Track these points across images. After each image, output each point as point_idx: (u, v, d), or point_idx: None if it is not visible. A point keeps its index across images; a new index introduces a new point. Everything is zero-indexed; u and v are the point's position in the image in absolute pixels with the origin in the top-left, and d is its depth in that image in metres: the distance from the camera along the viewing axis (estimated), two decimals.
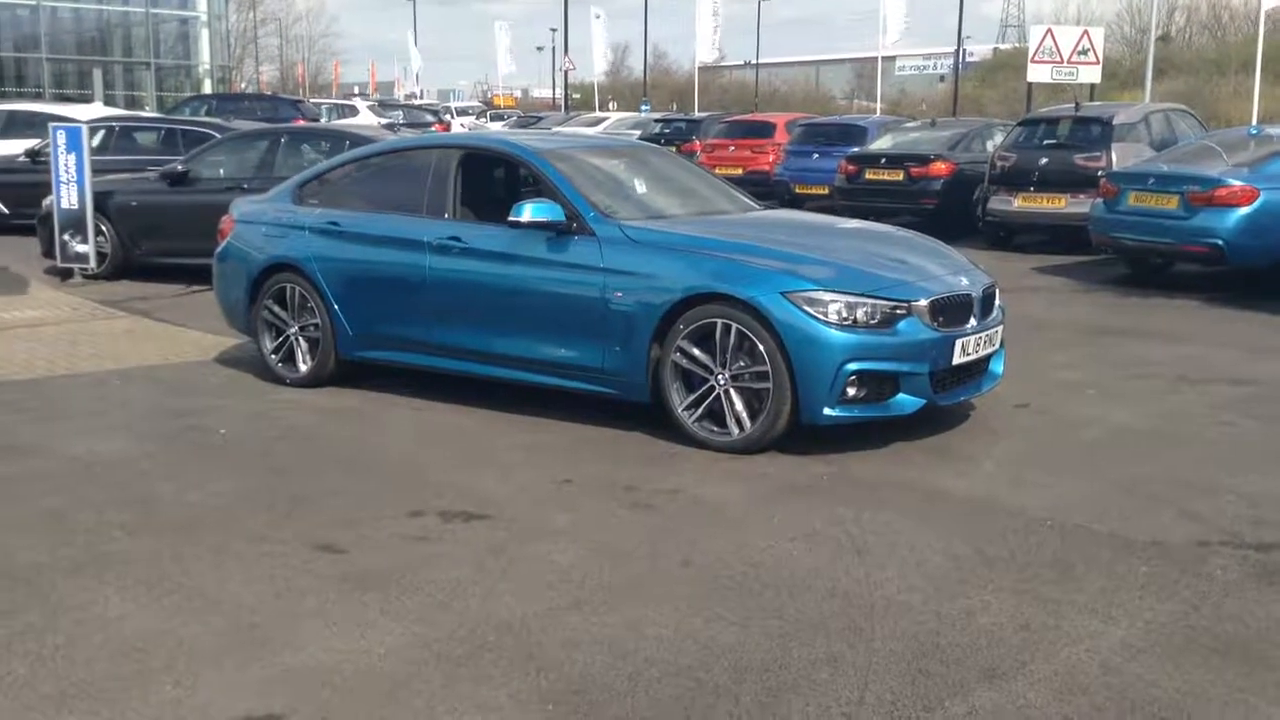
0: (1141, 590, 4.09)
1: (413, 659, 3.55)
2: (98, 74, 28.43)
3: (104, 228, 11.68)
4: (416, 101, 43.62)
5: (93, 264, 11.49)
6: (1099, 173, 12.66)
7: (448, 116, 32.96)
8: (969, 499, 5.08)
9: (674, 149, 21.97)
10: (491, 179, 6.93)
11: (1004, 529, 4.70)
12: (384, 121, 21.73)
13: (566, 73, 42.05)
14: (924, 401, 5.76)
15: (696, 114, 27.41)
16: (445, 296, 6.59)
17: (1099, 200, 11.63)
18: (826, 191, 16.94)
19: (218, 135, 12.75)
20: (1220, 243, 10.34)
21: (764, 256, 5.83)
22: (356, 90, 59.31)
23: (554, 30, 49.85)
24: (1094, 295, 11.16)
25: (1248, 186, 10.35)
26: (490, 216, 6.60)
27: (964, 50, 43.67)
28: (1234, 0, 53.03)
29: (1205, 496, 5.09)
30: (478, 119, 37.76)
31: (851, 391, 5.60)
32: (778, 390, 5.59)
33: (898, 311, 5.68)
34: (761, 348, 5.60)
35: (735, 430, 5.74)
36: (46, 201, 11.77)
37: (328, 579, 4.17)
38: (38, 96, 31.33)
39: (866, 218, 15.92)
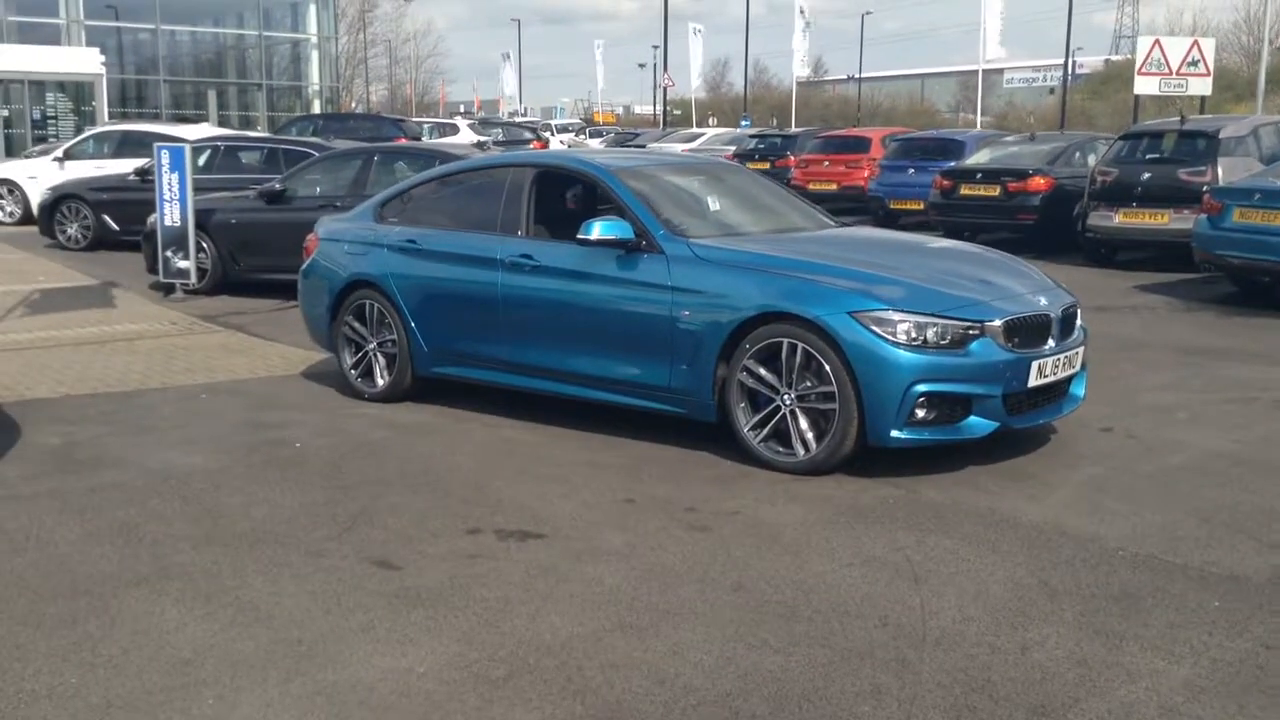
0: (1211, 626, 3.91)
1: (451, 679, 3.55)
2: (212, 95, 29.42)
3: (205, 244, 12.01)
4: (519, 120, 44.24)
5: (193, 280, 11.81)
6: (1203, 188, 12.23)
7: (546, 134, 33.33)
8: (1039, 526, 4.92)
9: (769, 164, 21.98)
10: (565, 197, 6.95)
11: (1072, 558, 4.54)
12: (476, 140, 22.02)
13: (665, 89, 42.22)
14: (997, 425, 5.60)
15: (792, 129, 27.20)
16: (517, 314, 6.62)
17: (1203, 216, 11.24)
18: (922, 207, 16.71)
19: (316, 154, 13.05)
20: None
21: (832, 275, 5.74)
22: (462, 109, 60.38)
23: (655, 47, 50.06)
24: (1195, 315, 10.78)
25: None
26: (564, 234, 6.62)
27: (1074, 61, 42.79)
28: None
29: None
30: (577, 136, 38.08)
31: (921, 414, 5.47)
32: (844, 411, 5.49)
33: (970, 332, 5.54)
34: (828, 368, 5.51)
35: (801, 451, 5.65)
36: (151, 219, 12.14)
37: (378, 595, 4.20)
38: (155, 117, 32.51)
39: (962, 234, 15.91)
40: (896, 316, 5.47)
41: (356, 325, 7.40)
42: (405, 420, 6.91)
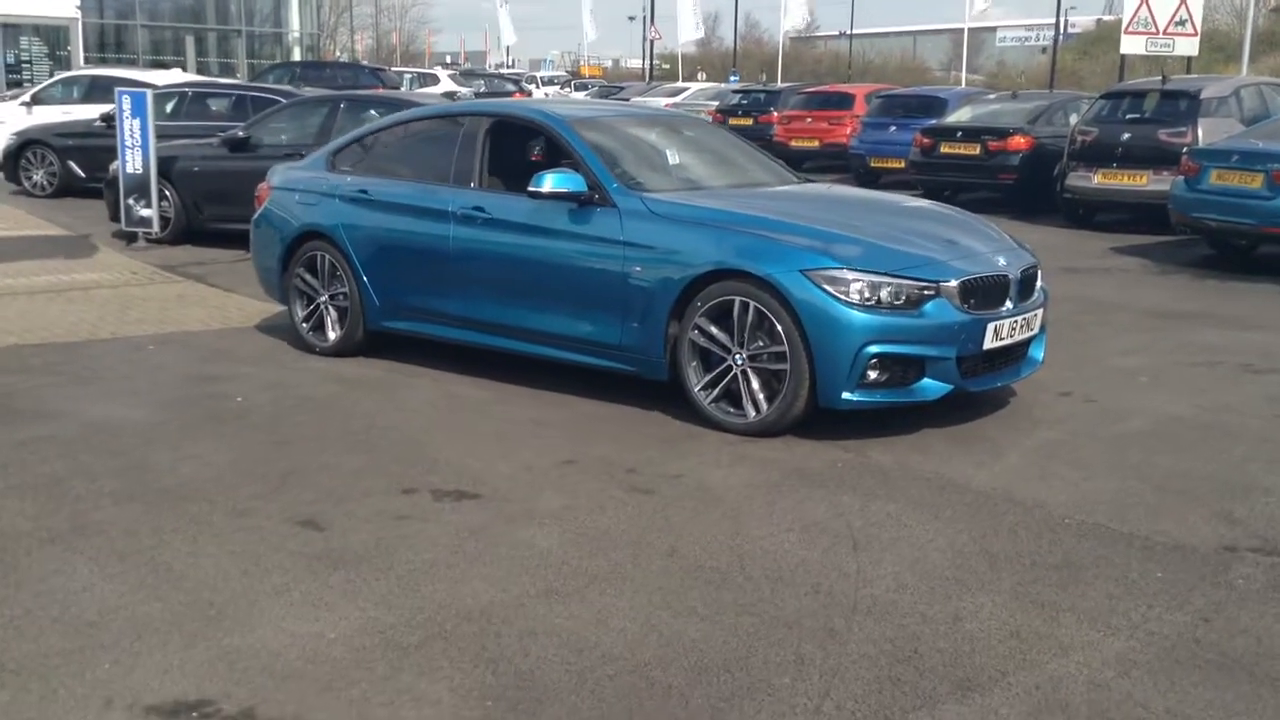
0: (1152, 598, 3.80)
1: (361, 645, 3.43)
2: (190, 41, 28.93)
3: (168, 193, 11.78)
4: (504, 71, 43.67)
5: (156, 228, 11.59)
6: (1183, 149, 12.08)
7: (530, 85, 32.89)
8: (985, 492, 4.80)
9: (751, 120, 21.72)
10: (521, 148, 6.76)
11: (1016, 526, 4.43)
12: (444, 90, 21.67)
13: (652, 43, 41.65)
14: (951, 387, 5.48)
15: (778, 85, 26.89)
16: (468, 268, 6.46)
17: (1179, 178, 11.10)
18: (903, 165, 16.50)
19: (283, 101, 12.79)
20: None
21: (787, 232, 5.59)
22: (448, 59, 59.61)
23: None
24: (1169, 278, 10.65)
25: None
26: (518, 187, 6.42)
27: (1066, 21, 42.33)
28: None
29: (1244, 497, 4.75)
30: (562, 88, 37.61)
31: (873, 375, 5.34)
32: (795, 372, 5.36)
33: (925, 292, 5.40)
34: (779, 327, 5.37)
35: (752, 412, 5.52)
36: (113, 166, 11.90)
37: (299, 557, 4.07)
38: (133, 63, 31.97)
39: (943, 193, 15.74)
40: (850, 275, 5.32)
41: (308, 277, 7.23)
42: (354, 375, 6.76)
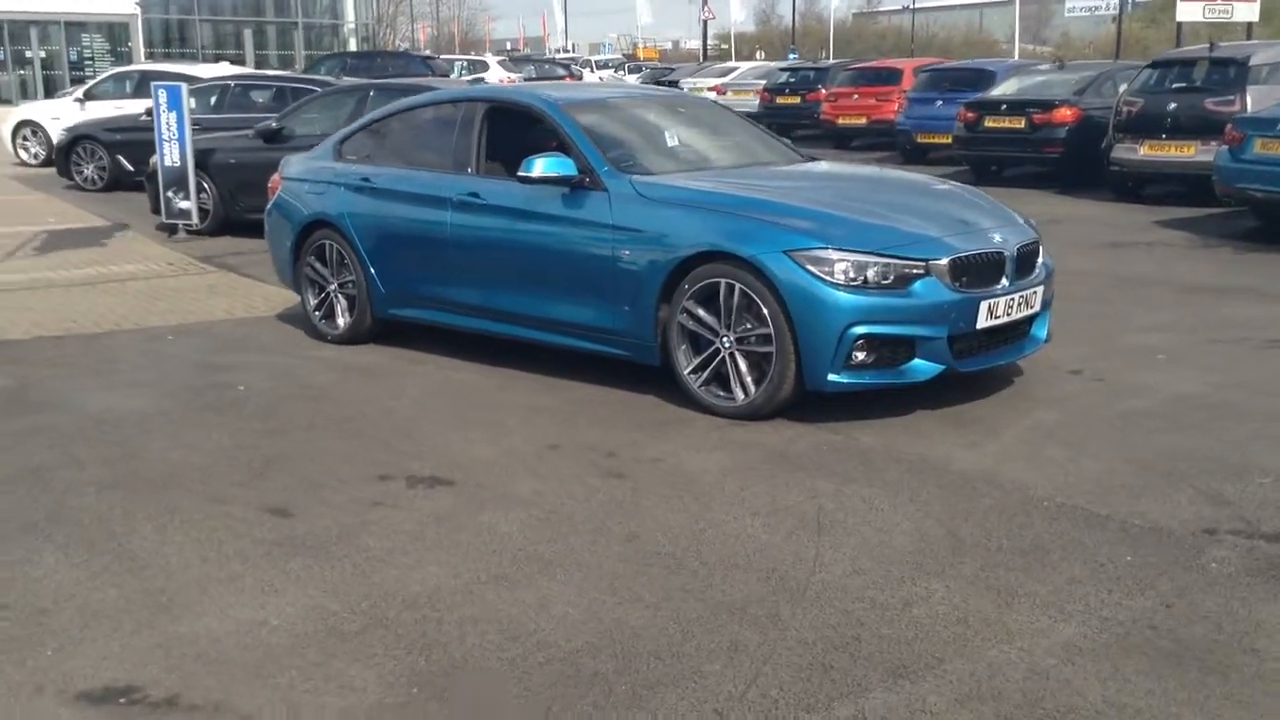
0: (1114, 583, 3.69)
1: (301, 632, 3.44)
2: (249, 34, 29.32)
3: (206, 185, 11.96)
4: (559, 56, 43.70)
5: (195, 220, 11.78)
6: (1232, 118, 11.71)
7: (584, 69, 32.83)
8: (967, 474, 4.70)
9: (799, 99, 21.51)
10: (517, 132, 6.73)
11: (991, 509, 4.33)
12: (471, 76, 21.70)
13: (705, 23, 41.36)
14: (942, 368, 5.37)
15: (830, 60, 26.57)
16: (467, 255, 6.46)
17: (1223, 148, 10.76)
18: (950, 140, 16.22)
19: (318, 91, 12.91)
20: None
21: (773, 213, 5.50)
22: (509, 46, 59.79)
23: None
24: (1211, 251, 10.35)
25: None
26: (514, 172, 6.41)
27: None
28: None
29: (1238, 478, 4.60)
30: (615, 72, 37.56)
31: (860, 356, 5.25)
32: (781, 354, 5.29)
33: (914, 271, 5.29)
34: (764, 310, 5.30)
35: (740, 395, 5.46)
36: (153, 159, 12.10)
37: (262, 544, 4.10)
38: (193, 58, 32.50)
39: (989, 168, 15.44)
40: (834, 255, 5.23)
41: (318, 266, 7.29)
42: (359, 362, 6.81)
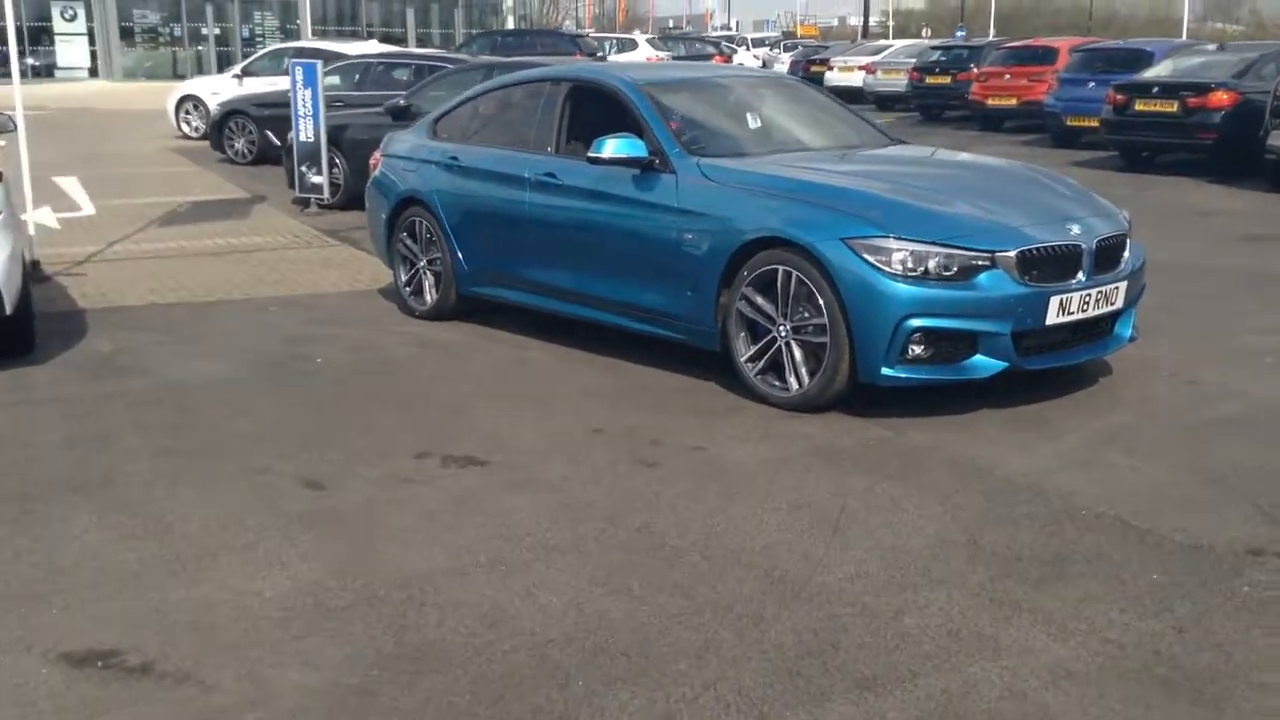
0: (1131, 602, 3.47)
1: (290, 605, 3.51)
2: (411, 12, 30.06)
3: (338, 160, 12.30)
4: (719, 35, 43.43)
5: (326, 194, 12.15)
6: None
7: (738, 48, 32.56)
8: (1013, 479, 4.49)
9: (950, 78, 20.88)
10: (598, 112, 6.68)
11: (1025, 516, 4.12)
12: (591, 53, 21.66)
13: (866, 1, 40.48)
14: (1005, 365, 5.13)
15: (989, 38, 25.70)
16: (542, 234, 6.48)
17: None
18: (1100, 124, 15.50)
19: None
20: None
21: (835, 199, 5.34)
22: (671, 24, 59.79)
23: None
24: None
25: None
26: None
27: None
28: None
29: None
30: (771, 50, 37.17)
31: (916, 350, 5.06)
32: (835, 345, 5.14)
33: (978, 262, 5.06)
34: (820, 299, 5.16)
35: (795, 385, 5.34)
36: (290, 135, 12.52)
37: (284, 516, 4.20)
38: (358, 35, 33.51)
39: (1139, 153, 14.71)
40: (894, 244, 5.05)
41: (409, 242, 7.42)
42: (439, 338, 6.91)
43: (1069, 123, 16.68)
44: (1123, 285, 5.49)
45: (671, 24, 64.44)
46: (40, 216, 11.22)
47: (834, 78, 26.37)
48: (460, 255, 7.02)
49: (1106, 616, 3.39)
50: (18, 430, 5.20)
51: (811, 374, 5.28)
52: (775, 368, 5.44)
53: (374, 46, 19.69)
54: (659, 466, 4.69)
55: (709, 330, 5.70)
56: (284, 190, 13.30)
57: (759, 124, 6.55)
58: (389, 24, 38.54)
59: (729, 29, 54.62)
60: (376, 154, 7.95)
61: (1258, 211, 11.62)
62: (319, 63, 12.20)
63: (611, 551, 3.89)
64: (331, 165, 12.14)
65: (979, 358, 5.11)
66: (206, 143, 18.12)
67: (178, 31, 31.59)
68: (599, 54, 23.48)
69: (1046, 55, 19.13)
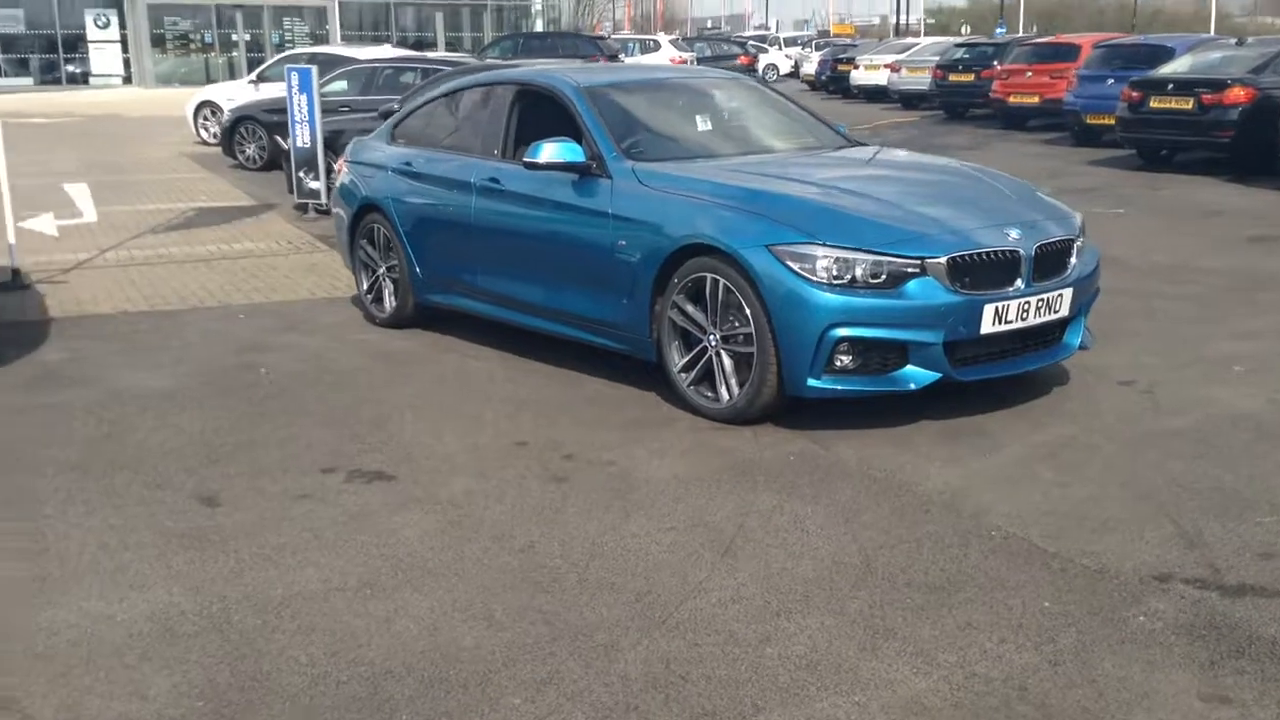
0: (1013, 632, 3.28)
1: (140, 631, 3.40)
2: (439, 17, 30.09)
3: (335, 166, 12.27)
4: (751, 34, 43.15)
5: (324, 200, 12.10)
6: None
7: (768, 47, 32.29)
8: (929, 496, 4.29)
9: (973, 76, 20.54)
10: (545, 116, 6.54)
11: (929, 536, 3.93)
12: (609, 54, 21.48)
13: None
14: (937, 376, 4.93)
15: (1019, 34, 25.26)
16: (487, 242, 6.36)
17: None
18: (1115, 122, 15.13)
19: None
20: None
21: (763, 205, 5.16)
22: (709, 24, 59.50)
23: None
24: None
25: None
26: None
27: None
28: None
29: (1236, 515, 4.04)
30: (803, 49, 36.84)
31: (844, 360, 4.88)
32: (762, 356, 4.97)
33: (907, 270, 4.87)
34: (746, 308, 4.99)
35: (725, 396, 5.17)
36: (288, 141, 12.50)
37: (168, 535, 4.10)
38: (385, 40, 33.63)
39: (1157, 151, 14.33)
40: (819, 251, 4.86)
41: (369, 250, 7.32)
42: (392, 348, 6.80)
43: (1088, 120, 16.32)
44: (1068, 292, 5.26)
45: (710, 24, 64.21)
46: (40, 224, 11.30)
47: (859, 76, 26.06)
48: (415, 262, 6.91)
49: (981, 647, 3.20)
50: None
51: (741, 385, 5.11)
52: (709, 378, 5.28)
53: (388, 51, 19.68)
54: (567, 481, 4.55)
55: (644, 339, 5.54)
56: (290, 195, 13.32)
57: (708, 127, 6.38)
58: (423, 28, 38.67)
59: (766, 28, 54.32)
60: (341, 159, 7.87)
61: (1267, 211, 11.26)
62: (314, 68, 12.17)
63: (488, 573, 3.75)
64: (329, 170, 12.10)
65: (910, 369, 4.92)
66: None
67: (209, 38, 31.92)
68: (620, 56, 23.35)
69: (1068, 52, 18.74)
